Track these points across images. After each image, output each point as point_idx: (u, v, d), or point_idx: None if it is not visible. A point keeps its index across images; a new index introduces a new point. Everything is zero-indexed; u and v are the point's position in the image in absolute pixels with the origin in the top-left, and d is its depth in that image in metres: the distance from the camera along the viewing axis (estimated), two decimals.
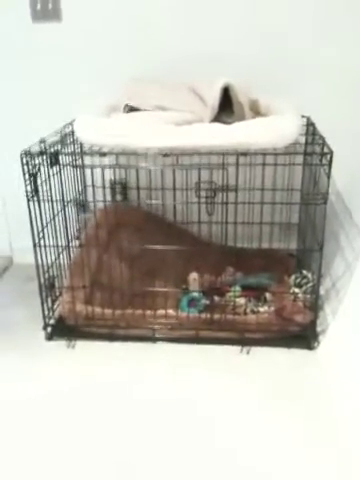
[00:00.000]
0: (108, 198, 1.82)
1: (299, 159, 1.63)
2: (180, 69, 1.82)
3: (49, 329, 1.68)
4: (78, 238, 1.76)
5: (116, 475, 1.16)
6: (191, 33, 1.86)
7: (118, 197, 1.95)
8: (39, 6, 1.88)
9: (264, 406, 1.36)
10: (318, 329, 1.59)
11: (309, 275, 1.65)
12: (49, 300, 1.69)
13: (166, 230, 1.77)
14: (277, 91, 1.77)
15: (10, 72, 1.97)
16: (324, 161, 1.45)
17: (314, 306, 1.58)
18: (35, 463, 1.20)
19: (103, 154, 1.52)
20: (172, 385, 1.44)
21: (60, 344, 1.63)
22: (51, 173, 1.56)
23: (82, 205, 1.88)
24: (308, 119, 1.76)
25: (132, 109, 1.72)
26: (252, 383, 1.44)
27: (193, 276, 1.82)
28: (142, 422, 1.31)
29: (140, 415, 1.34)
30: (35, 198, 1.54)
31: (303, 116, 1.67)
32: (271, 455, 1.20)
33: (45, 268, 1.63)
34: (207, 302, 1.72)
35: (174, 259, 1.80)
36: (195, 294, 1.73)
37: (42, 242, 1.60)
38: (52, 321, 1.70)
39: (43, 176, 1.54)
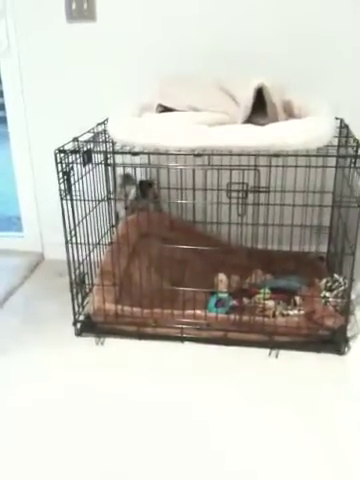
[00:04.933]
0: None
1: (332, 161, 1.61)
2: (212, 67, 1.82)
3: (78, 325, 1.71)
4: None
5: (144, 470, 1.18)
6: (223, 31, 1.86)
7: (150, 195, 1.97)
8: (74, 6, 1.90)
9: (292, 410, 1.35)
10: (348, 334, 1.57)
11: (340, 279, 1.62)
12: (79, 296, 1.71)
13: (195, 240, 1.74)
14: (311, 91, 1.75)
15: (44, 71, 2.00)
16: (358, 164, 1.43)
17: (345, 310, 1.56)
18: (61, 455, 1.22)
19: (135, 153, 1.53)
20: (199, 385, 1.44)
21: (89, 340, 1.65)
22: (83, 172, 1.58)
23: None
24: (342, 121, 1.74)
25: (165, 109, 1.72)
26: (281, 387, 1.43)
27: (220, 277, 1.81)
28: (166, 420, 1.32)
29: (166, 414, 1.35)
30: (68, 197, 1.56)
31: (337, 118, 1.65)
32: (292, 460, 1.20)
33: (76, 265, 1.65)
34: (235, 303, 1.72)
35: (202, 266, 1.79)
36: (222, 295, 1.73)
37: (73, 240, 1.62)
38: (81, 317, 1.72)
39: (76, 175, 1.56)
